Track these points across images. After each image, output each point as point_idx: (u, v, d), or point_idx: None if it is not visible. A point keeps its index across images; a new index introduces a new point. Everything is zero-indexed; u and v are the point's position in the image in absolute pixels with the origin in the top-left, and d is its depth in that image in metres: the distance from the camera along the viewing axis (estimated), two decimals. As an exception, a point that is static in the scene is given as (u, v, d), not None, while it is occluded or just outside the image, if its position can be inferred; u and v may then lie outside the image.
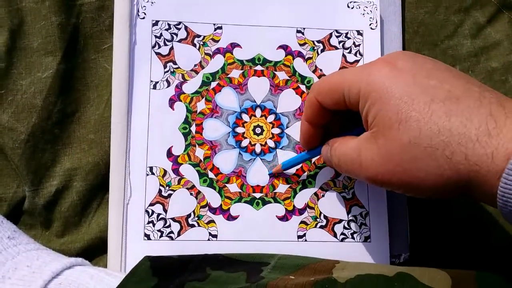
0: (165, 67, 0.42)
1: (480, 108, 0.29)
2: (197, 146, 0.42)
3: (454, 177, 0.29)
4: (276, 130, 0.43)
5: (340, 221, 0.42)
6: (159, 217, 0.40)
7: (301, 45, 0.44)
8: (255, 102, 0.43)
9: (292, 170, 0.42)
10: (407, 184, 0.32)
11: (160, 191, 0.41)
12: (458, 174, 0.29)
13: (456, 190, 0.30)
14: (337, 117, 0.38)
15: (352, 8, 0.45)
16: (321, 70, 0.44)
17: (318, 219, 0.42)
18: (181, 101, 0.42)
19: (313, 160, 0.43)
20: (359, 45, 0.45)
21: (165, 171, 0.41)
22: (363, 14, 0.45)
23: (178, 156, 0.42)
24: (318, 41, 0.45)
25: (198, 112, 0.42)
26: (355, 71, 0.34)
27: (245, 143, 0.43)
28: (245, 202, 0.42)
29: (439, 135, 0.29)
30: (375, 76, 0.32)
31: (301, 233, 0.42)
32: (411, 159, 0.30)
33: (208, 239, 0.41)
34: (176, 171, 0.41)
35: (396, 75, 0.32)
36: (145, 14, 0.43)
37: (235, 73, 0.43)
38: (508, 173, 0.27)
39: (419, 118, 0.30)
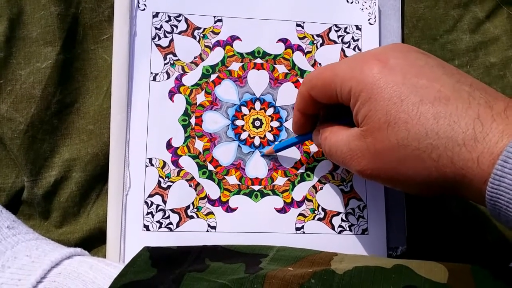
0: (165, 59, 0.43)
1: (468, 110, 0.29)
2: (196, 138, 0.42)
3: (441, 179, 0.30)
4: (275, 123, 0.43)
5: (338, 213, 0.42)
6: (158, 208, 0.41)
7: (300, 38, 0.44)
8: (255, 95, 0.43)
9: (291, 163, 0.43)
10: (395, 181, 0.32)
11: (159, 182, 0.41)
12: (445, 177, 0.30)
13: (444, 190, 0.31)
14: (329, 105, 0.38)
15: (351, 3, 0.45)
16: (320, 64, 0.44)
17: (316, 212, 0.42)
18: (180, 93, 0.42)
19: (311, 153, 0.43)
20: (357, 39, 0.45)
21: (165, 163, 0.41)
22: (362, 9, 0.46)
23: (178, 148, 0.42)
24: (318, 35, 0.45)
25: (197, 104, 0.42)
26: (347, 68, 0.34)
27: (244, 135, 0.43)
28: (244, 194, 0.42)
29: (426, 138, 0.29)
30: (366, 74, 0.32)
31: (299, 225, 0.42)
32: (399, 160, 0.31)
33: (207, 231, 0.41)
34: (175, 162, 0.41)
35: (387, 74, 0.32)
36: (145, 5, 0.43)
37: (235, 66, 0.43)
38: (494, 178, 0.27)
39: (407, 119, 0.30)
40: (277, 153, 0.42)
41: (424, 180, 0.31)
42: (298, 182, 0.43)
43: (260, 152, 0.43)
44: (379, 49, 0.34)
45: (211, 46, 0.43)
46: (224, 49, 0.43)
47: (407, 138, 0.30)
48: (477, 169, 0.28)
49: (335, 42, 0.45)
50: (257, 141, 0.43)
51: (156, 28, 0.43)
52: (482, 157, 0.28)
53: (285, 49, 0.44)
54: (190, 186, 0.41)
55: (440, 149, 0.29)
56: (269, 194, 0.42)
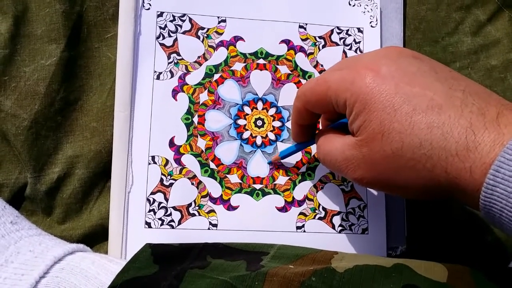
0: (169, 58, 0.43)
1: (460, 118, 0.29)
2: (199, 136, 0.42)
3: (436, 187, 0.30)
4: (277, 123, 0.44)
5: (339, 213, 0.43)
6: (160, 206, 0.41)
7: (303, 40, 0.45)
8: (257, 95, 0.44)
9: (292, 162, 0.43)
10: (392, 188, 0.33)
11: (161, 180, 0.41)
12: (440, 185, 0.30)
13: (440, 196, 0.31)
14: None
15: (353, 5, 0.46)
16: (322, 65, 0.45)
17: (317, 211, 0.43)
18: (184, 92, 0.43)
19: (313, 153, 0.43)
20: (359, 42, 0.46)
21: (167, 161, 0.42)
22: (364, 12, 0.46)
23: (180, 146, 0.42)
24: (320, 37, 0.45)
25: (200, 103, 0.43)
26: (339, 79, 0.34)
27: (246, 135, 0.43)
28: (245, 193, 0.42)
29: (420, 148, 0.30)
30: (358, 85, 0.32)
31: (300, 224, 0.42)
32: (394, 169, 0.31)
33: (208, 228, 0.41)
34: (178, 161, 0.42)
35: (379, 84, 0.32)
36: (150, 5, 0.43)
37: (238, 66, 0.44)
38: (486, 187, 0.27)
39: (401, 130, 0.30)
40: (281, 154, 0.42)
41: (419, 188, 0.31)
42: (299, 182, 0.43)
43: (262, 151, 0.43)
44: (371, 56, 0.34)
45: (214, 46, 0.44)
46: (227, 49, 0.44)
47: (401, 149, 0.30)
48: (470, 178, 0.28)
49: (337, 44, 0.45)
50: (259, 141, 0.43)
51: (160, 28, 0.43)
52: (474, 166, 0.28)
53: (288, 50, 0.45)
54: (192, 184, 0.42)
55: (434, 159, 0.29)
56: (270, 193, 0.42)
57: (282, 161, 0.43)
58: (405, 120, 0.30)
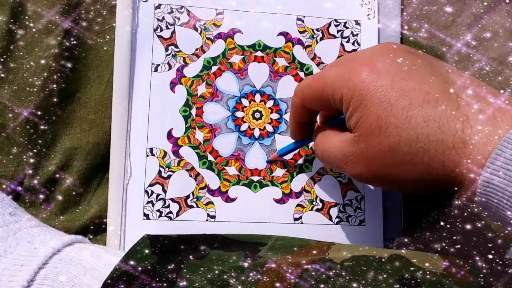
0: (166, 50, 0.43)
1: (457, 112, 0.29)
2: (197, 129, 0.43)
3: (434, 181, 0.30)
4: (275, 116, 0.44)
5: (336, 204, 0.43)
6: (159, 198, 0.41)
7: (300, 32, 0.45)
8: (255, 87, 0.44)
9: (290, 155, 0.43)
10: (390, 184, 0.33)
11: (160, 172, 0.41)
12: (437, 179, 0.30)
13: (438, 190, 0.31)
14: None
15: (351, -2, 0.46)
16: (319, 58, 0.45)
17: (314, 203, 0.43)
18: (182, 84, 0.43)
19: (310, 145, 0.44)
20: (357, 34, 0.46)
21: (165, 153, 0.42)
22: (361, 4, 0.46)
23: (178, 138, 0.42)
24: (317, 29, 0.45)
25: (198, 95, 0.43)
26: (335, 76, 0.34)
27: (244, 127, 0.43)
28: (243, 184, 0.42)
29: (417, 142, 0.30)
30: (354, 81, 0.32)
31: (297, 216, 0.42)
32: (392, 164, 0.31)
33: (207, 220, 0.41)
34: (176, 153, 0.42)
35: (375, 79, 0.32)
36: (147, -3, 0.43)
37: (236, 58, 0.44)
38: (483, 180, 0.28)
39: (398, 124, 0.31)
40: (279, 153, 0.43)
41: (418, 183, 0.31)
42: (297, 174, 0.43)
43: (260, 144, 0.43)
44: (366, 52, 0.34)
45: (212, 38, 0.44)
46: (225, 41, 0.44)
47: (398, 143, 0.31)
48: (467, 171, 0.29)
49: (335, 37, 0.45)
50: (256, 133, 0.43)
51: (158, 20, 0.43)
52: (471, 159, 0.28)
53: (286, 43, 0.45)
54: (190, 176, 0.42)
55: (431, 152, 0.30)
56: (268, 185, 0.43)
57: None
58: (401, 115, 0.30)
